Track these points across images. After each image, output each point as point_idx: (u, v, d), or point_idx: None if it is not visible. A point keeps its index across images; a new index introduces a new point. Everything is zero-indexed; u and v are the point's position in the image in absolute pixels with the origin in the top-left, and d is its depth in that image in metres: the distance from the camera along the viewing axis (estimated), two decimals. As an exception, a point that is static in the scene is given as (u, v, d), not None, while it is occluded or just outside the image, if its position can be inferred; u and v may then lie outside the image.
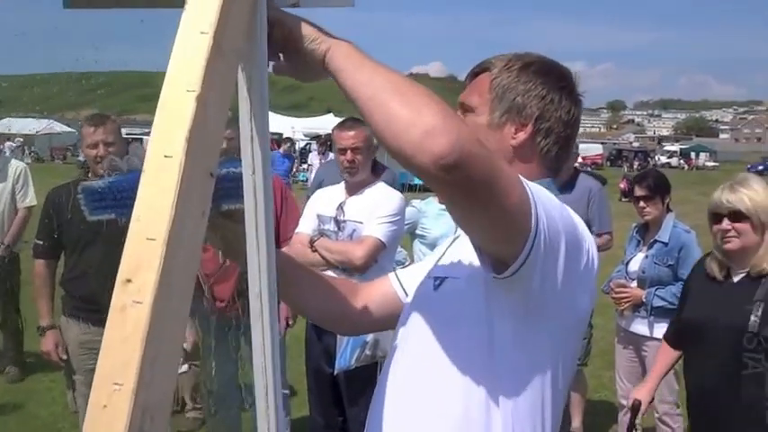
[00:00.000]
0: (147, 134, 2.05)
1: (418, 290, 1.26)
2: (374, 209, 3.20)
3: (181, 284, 0.66)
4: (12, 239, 4.91)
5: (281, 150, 14.19)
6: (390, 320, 1.34)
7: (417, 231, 4.08)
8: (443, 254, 1.30)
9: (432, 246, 4.00)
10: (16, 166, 5.12)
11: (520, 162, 1.19)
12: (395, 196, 3.31)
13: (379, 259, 3.16)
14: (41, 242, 3.29)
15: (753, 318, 2.25)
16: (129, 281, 0.62)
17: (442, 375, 1.11)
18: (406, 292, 1.35)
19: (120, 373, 0.59)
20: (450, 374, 1.10)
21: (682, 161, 54.26)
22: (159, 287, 0.62)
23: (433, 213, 4.04)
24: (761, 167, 37.29)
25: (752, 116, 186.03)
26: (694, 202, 11.88)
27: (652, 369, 2.95)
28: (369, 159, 3.32)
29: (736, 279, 2.42)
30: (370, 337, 3.11)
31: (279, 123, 27.40)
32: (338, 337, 3.10)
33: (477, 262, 1.04)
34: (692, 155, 57.37)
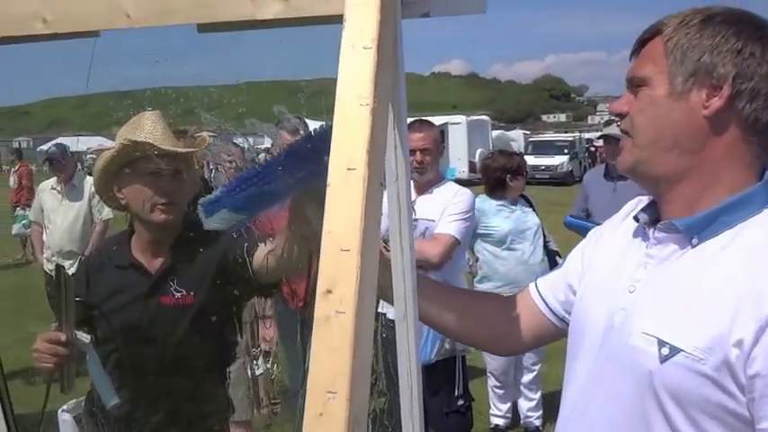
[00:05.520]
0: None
1: (615, 336, 1.02)
2: (446, 206, 3.21)
3: (370, 293, 0.68)
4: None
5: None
6: (541, 338, 1.27)
7: (479, 231, 3.97)
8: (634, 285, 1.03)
9: (500, 243, 3.93)
10: (92, 182, 5.30)
11: (716, 137, 0.94)
12: (465, 192, 3.32)
13: (453, 256, 3.17)
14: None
15: None
16: (329, 291, 0.64)
17: None
18: (547, 304, 1.23)
19: (332, 381, 0.62)
20: None
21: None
22: (358, 296, 0.64)
23: (492, 210, 3.96)
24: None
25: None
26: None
27: None
28: (437, 159, 3.34)
29: None
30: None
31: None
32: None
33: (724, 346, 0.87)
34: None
